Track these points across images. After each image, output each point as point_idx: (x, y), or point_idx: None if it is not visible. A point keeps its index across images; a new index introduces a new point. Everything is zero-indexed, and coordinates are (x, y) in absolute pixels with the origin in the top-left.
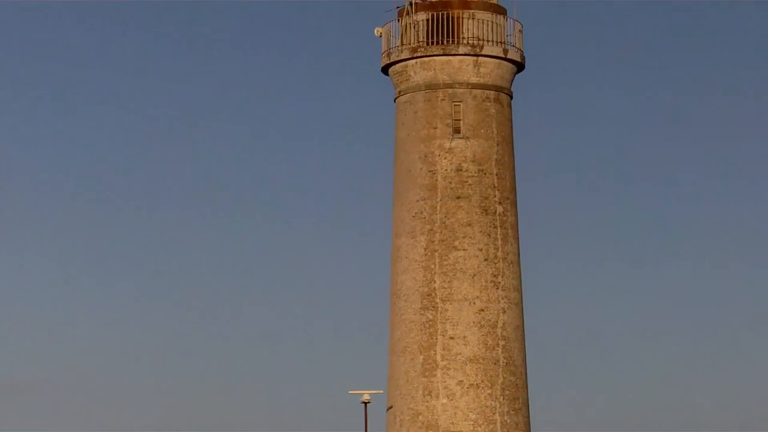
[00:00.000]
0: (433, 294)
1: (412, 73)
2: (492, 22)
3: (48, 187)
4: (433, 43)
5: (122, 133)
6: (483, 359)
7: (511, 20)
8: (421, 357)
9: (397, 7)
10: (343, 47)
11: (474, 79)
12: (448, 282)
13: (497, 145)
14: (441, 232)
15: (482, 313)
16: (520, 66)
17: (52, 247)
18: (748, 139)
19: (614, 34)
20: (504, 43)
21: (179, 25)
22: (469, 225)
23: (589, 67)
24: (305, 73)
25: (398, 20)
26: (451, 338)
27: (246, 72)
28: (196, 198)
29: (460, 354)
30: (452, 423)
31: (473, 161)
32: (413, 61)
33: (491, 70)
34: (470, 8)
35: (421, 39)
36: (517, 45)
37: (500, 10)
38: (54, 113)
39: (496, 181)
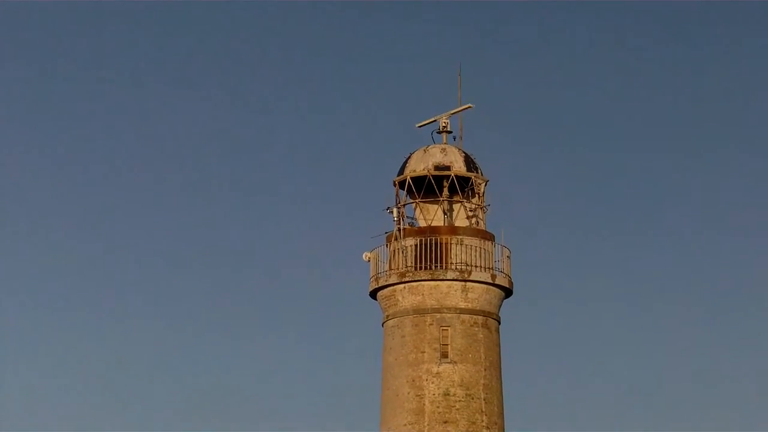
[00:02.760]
0: None
1: (400, 298)
2: (480, 248)
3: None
4: (421, 268)
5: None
6: None
7: (499, 246)
8: None
9: (386, 233)
10: (331, 271)
11: (462, 304)
12: None
13: (485, 369)
14: None
15: None
16: (508, 291)
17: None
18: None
19: (596, 250)
20: (492, 268)
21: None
22: None
23: (578, 294)
24: (293, 297)
25: (386, 245)
26: None
27: (230, 303)
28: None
29: None
30: None
31: (461, 386)
32: (401, 285)
33: (479, 296)
34: (458, 234)
35: (409, 264)
36: (505, 271)
37: (488, 236)
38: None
39: (483, 405)
